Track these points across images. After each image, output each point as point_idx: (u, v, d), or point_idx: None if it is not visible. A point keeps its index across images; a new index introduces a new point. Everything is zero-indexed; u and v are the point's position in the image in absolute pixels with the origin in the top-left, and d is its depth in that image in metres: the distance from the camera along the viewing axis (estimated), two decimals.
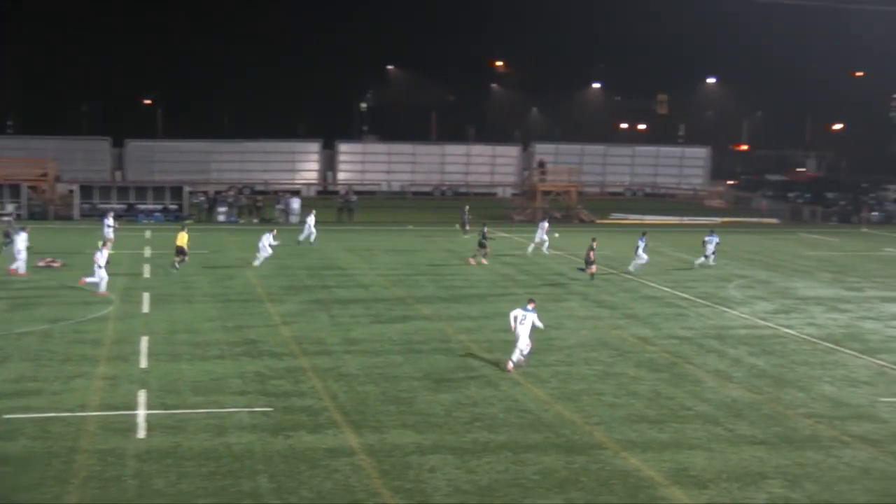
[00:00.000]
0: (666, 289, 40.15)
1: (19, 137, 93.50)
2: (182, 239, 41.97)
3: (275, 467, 18.58)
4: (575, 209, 73.97)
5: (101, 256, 35.87)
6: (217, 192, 73.78)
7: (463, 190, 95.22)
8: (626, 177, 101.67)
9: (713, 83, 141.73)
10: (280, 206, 69.04)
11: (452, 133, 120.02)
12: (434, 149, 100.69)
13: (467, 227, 59.32)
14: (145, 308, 33.76)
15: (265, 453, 19.29)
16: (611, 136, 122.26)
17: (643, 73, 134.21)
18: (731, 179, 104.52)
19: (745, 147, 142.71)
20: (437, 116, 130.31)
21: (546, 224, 52.64)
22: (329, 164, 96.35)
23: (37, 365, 25.38)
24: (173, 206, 67.22)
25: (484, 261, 46.33)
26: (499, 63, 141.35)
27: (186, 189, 69.65)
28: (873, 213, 76.15)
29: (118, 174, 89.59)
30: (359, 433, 20.63)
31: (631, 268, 44.51)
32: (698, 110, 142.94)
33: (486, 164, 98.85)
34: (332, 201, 76.69)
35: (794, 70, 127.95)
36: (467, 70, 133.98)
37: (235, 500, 17.09)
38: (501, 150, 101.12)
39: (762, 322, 34.13)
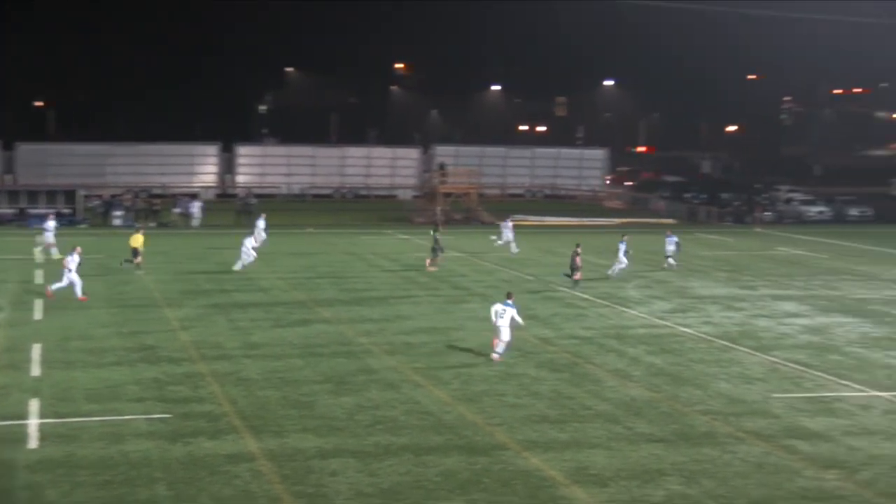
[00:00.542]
0: (565, 289, 40.50)
1: None
2: (137, 240, 42.43)
3: (173, 474, 18.26)
4: (475, 211, 74.22)
5: (72, 260, 35.55)
6: (113, 196, 72.33)
7: (363, 192, 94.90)
8: (526, 178, 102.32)
9: (611, 85, 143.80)
10: (178, 210, 67.98)
11: (353, 135, 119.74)
12: (334, 151, 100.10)
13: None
14: (37, 315, 32.98)
15: (163, 460, 18.95)
16: (511, 138, 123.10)
17: (542, 75, 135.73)
18: (628, 181, 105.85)
19: (642, 148, 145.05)
20: (337, 119, 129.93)
21: (510, 223, 52.88)
22: (228, 167, 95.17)
23: None
24: (66, 211, 65.44)
25: (432, 268, 45.20)
26: (399, 65, 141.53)
27: (81, 193, 68.06)
28: (766, 213, 77.80)
29: (8, 178, 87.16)
30: (259, 438, 20.40)
31: (610, 272, 44.03)
32: (597, 112, 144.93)
33: (387, 166, 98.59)
34: (231, 204, 75.92)
35: (692, 73, 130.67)
36: (368, 72, 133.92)
37: None
38: (402, 152, 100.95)
39: (660, 321, 34.64)
